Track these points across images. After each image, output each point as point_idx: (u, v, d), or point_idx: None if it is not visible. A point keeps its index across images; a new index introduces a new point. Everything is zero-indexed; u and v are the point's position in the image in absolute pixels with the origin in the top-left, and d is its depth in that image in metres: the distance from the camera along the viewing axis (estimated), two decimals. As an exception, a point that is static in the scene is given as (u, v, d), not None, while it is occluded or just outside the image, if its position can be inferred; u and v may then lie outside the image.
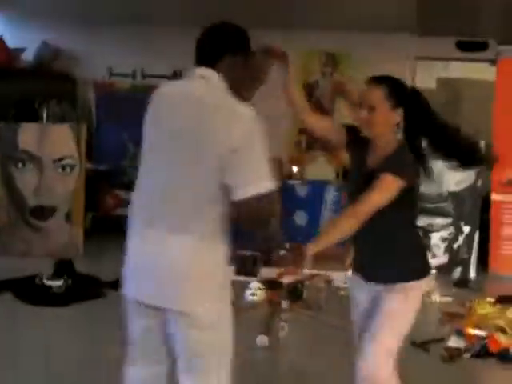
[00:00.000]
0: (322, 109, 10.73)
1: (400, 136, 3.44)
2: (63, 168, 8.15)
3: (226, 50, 3.02)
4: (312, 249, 3.16)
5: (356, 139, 3.47)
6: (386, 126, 3.40)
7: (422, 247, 3.63)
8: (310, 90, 10.83)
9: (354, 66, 10.68)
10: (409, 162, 3.36)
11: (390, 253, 3.41)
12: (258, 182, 2.81)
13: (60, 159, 8.16)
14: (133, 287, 3.06)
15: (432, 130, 3.51)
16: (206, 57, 3.01)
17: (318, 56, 10.76)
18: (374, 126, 3.38)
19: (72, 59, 10.74)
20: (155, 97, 3.08)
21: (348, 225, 3.26)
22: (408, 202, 3.38)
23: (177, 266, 2.88)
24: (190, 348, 2.93)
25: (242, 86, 3.08)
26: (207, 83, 2.96)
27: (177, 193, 2.89)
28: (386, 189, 3.25)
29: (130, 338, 3.18)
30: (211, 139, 2.82)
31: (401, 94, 3.44)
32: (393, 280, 3.39)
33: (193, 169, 2.86)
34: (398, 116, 3.40)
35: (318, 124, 3.66)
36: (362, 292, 3.56)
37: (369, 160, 3.44)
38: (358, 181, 3.42)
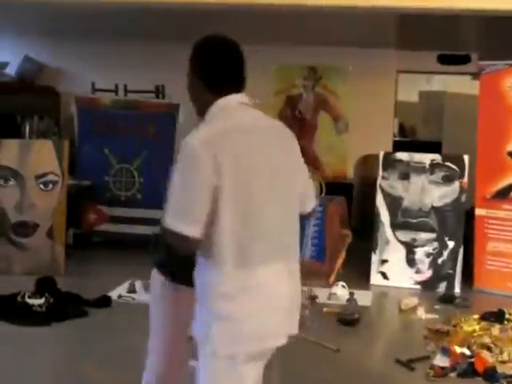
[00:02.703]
0: (304, 122, 10.68)
1: None
2: (45, 184, 8.01)
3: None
4: None
5: None
6: None
7: None
8: (293, 102, 10.78)
9: (335, 80, 10.64)
10: None
11: None
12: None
13: (42, 175, 8.01)
14: None
15: None
16: (241, 81, 2.90)
17: (300, 70, 10.71)
18: None
19: (55, 74, 10.64)
20: (221, 138, 2.72)
21: None
22: None
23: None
24: None
25: None
26: (257, 111, 2.92)
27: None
28: None
29: None
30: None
31: None
32: None
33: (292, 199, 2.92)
34: None
35: None
36: None
37: None
38: None
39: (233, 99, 2.82)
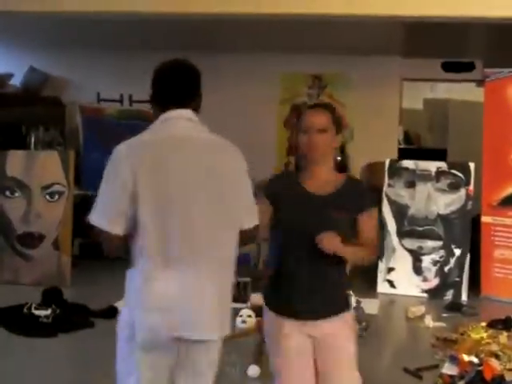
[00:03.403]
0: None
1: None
2: (51, 195, 8.02)
3: (197, 90, 3.21)
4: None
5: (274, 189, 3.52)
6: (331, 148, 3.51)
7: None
8: (297, 111, 10.75)
9: (340, 88, 10.62)
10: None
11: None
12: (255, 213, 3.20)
13: (48, 186, 8.03)
14: None
15: None
16: (183, 98, 3.16)
17: (304, 78, 10.70)
18: (323, 147, 3.45)
19: (60, 84, 10.64)
20: (145, 147, 3.09)
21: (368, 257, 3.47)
22: None
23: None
24: None
25: None
26: (196, 125, 3.13)
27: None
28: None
29: None
30: (228, 180, 3.11)
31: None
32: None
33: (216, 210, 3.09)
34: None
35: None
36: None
37: (310, 187, 3.48)
38: (307, 212, 3.42)
39: (173, 114, 3.12)
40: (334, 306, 3.47)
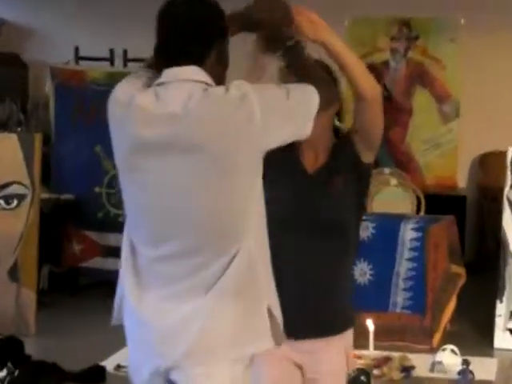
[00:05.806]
0: (392, 104, 10.64)
1: None
2: (7, 199, 8.09)
3: (215, 38, 3.13)
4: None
5: None
6: None
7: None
8: (375, 75, 10.76)
9: (440, 41, 10.60)
10: None
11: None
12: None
13: (2, 186, 8.10)
14: None
15: None
16: (190, 52, 3.09)
17: (385, 25, 10.71)
18: None
19: (21, 35, 10.76)
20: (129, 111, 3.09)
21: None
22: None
23: None
24: None
25: (223, 75, 3.21)
26: (198, 90, 3.03)
27: None
28: None
29: None
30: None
31: None
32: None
33: None
34: None
35: None
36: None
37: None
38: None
39: (169, 75, 3.08)
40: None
